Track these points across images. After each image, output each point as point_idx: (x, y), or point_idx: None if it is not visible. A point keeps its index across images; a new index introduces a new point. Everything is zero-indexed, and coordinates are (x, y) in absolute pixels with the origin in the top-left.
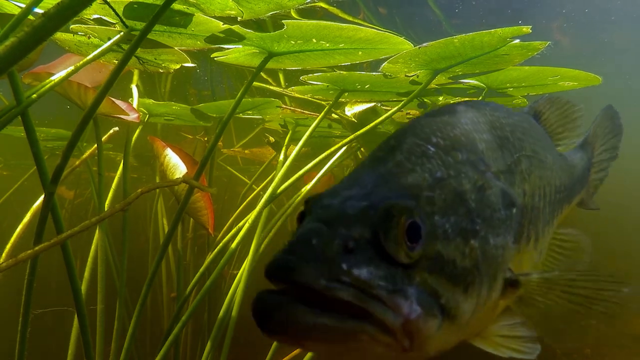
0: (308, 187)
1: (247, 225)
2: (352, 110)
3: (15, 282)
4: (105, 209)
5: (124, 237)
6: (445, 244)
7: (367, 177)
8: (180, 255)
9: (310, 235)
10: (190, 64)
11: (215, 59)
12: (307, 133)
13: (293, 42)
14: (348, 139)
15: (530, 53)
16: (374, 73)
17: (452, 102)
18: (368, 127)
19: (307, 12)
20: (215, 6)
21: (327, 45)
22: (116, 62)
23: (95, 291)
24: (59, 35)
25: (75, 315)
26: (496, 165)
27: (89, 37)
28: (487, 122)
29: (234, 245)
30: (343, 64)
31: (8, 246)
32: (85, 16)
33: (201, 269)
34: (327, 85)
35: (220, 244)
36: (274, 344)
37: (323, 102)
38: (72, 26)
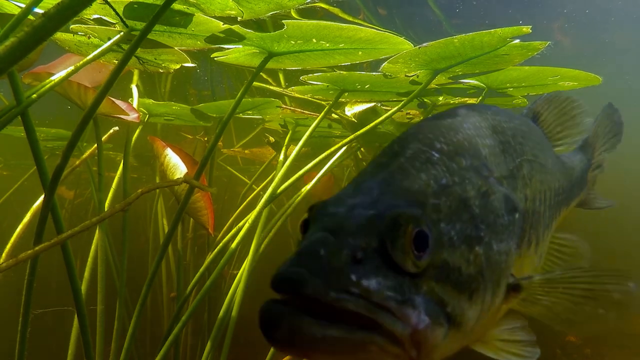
0: (308, 187)
1: (247, 225)
2: (352, 110)
3: (15, 282)
4: (105, 209)
5: (124, 237)
6: (451, 252)
7: (372, 184)
8: (180, 255)
9: (318, 245)
10: (190, 64)
11: (215, 59)
12: (307, 133)
13: (293, 42)
14: (348, 139)
15: (530, 53)
16: (374, 73)
17: (452, 102)
18: (368, 127)
19: (307, 12)
20: (215, 6)
21: (327, 45)
22: (116, 62)
23: (95, 291)
24: (59, 35)
25: (75, 315)
26: (499, 170)
27: (89, 37)
28: (489, 127)
29: (234, 245)
30: (343, 64)
31: (8, 246)
32: (85, 16)
33: (201, 269)
34: (327, 85)
35: (220, 244)
36: None
37: (323, 102)
38: (72, 26)
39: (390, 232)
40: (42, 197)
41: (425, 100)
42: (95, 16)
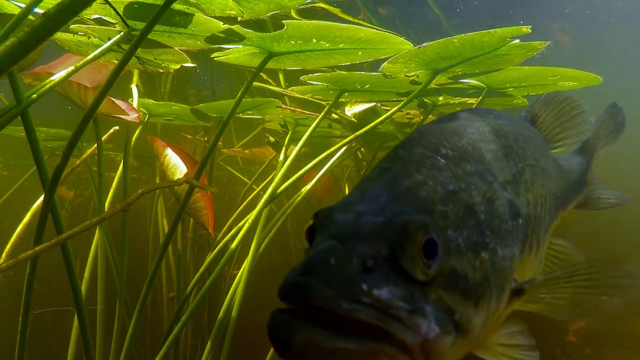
0: (308, 187)
1: (247, 225)
2: (352, 110)
3: (15, 282)
4: (106, 209)
5: (124, 237)
6: (459, 259)
7: (379, 190)
8: (180, 255)
9: (327, 254)
10: (190, 64)
11: (215, 59)
12: (307, 133)
13: (293, 42)
14: (348, 139)
15: (530, 53)
16: (374, 73)
17: (452, 102)
18: (368, 127)
19: (307, 12)
20: (216, 6)
21: (327, 45)
22: (116, 62)
23: (95, 291)
24: (59, 35)
25: (75, 315)
26: (502, 175)
27: (89, 37)
28: (491, 131)
29: (234, 245)
30: (343, 64)
31: (8, 246)
32: (85, 16)
33: (201, 269)
34: (327, 85)
35: (220, 244)
36: None
37: (323, 102)
38: (72, 26)
39: (399, 240)
40: (42, 197)
41: (425, 100)
42: (95, 16)
